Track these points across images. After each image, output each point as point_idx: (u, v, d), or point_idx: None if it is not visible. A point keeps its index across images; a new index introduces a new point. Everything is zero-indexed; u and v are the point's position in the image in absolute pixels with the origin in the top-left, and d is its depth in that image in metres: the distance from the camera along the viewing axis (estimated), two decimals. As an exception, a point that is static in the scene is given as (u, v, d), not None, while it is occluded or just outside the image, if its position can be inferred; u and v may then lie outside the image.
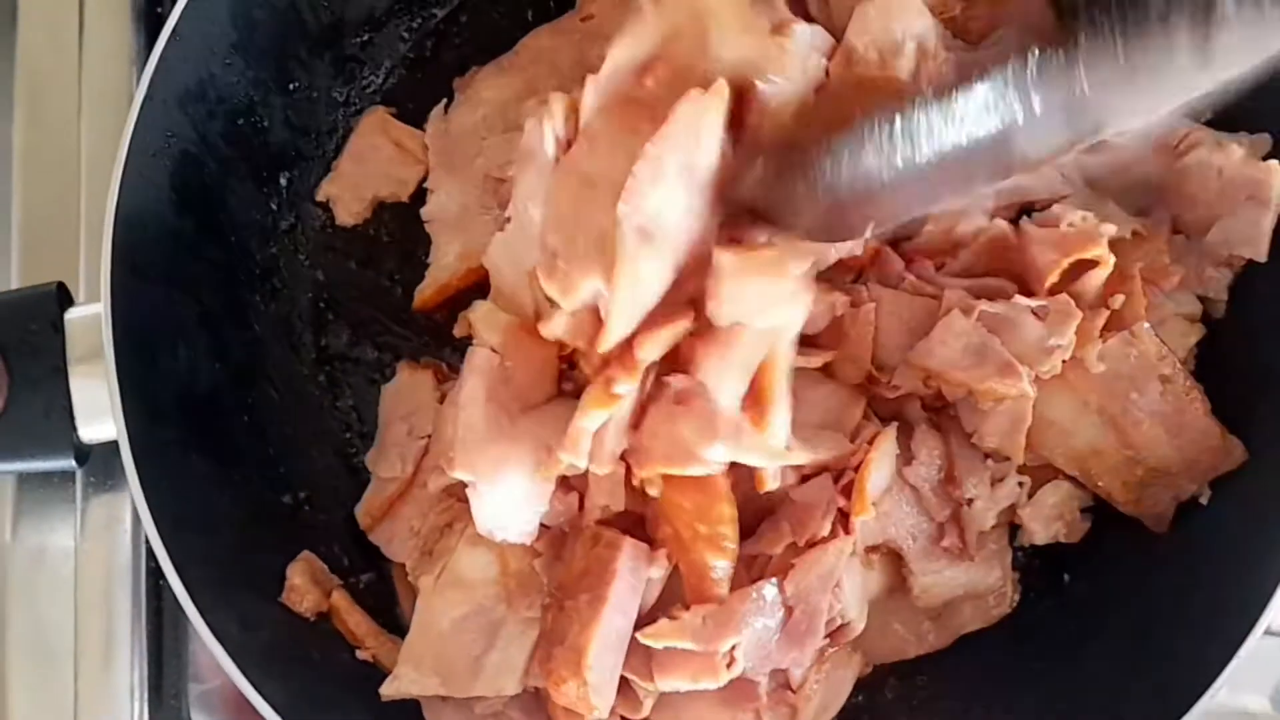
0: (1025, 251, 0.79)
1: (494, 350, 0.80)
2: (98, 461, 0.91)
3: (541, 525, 0.80)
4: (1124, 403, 0.80)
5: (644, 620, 0.80)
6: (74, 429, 0.80)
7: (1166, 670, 0.78)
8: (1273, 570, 0.75)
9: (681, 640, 0.76)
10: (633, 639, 0.78)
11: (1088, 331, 0.78)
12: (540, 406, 0.82)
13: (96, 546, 0.92)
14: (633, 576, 0.78)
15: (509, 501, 0.78)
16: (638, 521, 0.79)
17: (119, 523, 0.93)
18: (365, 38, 0.95)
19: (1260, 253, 0.82)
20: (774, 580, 0.78)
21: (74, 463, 0.82)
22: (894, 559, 0.84)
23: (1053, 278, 0.77)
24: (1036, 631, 0.86)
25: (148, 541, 0.88)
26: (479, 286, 0.87)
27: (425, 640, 0.81)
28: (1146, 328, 0.80)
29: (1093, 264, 0.77)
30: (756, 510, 0.81)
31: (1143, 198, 0.86)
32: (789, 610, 0.79)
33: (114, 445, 0.78)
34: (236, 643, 0.76)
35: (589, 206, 0.71)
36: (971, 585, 0.84)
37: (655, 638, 0.76)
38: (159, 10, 1.02)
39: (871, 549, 0.84)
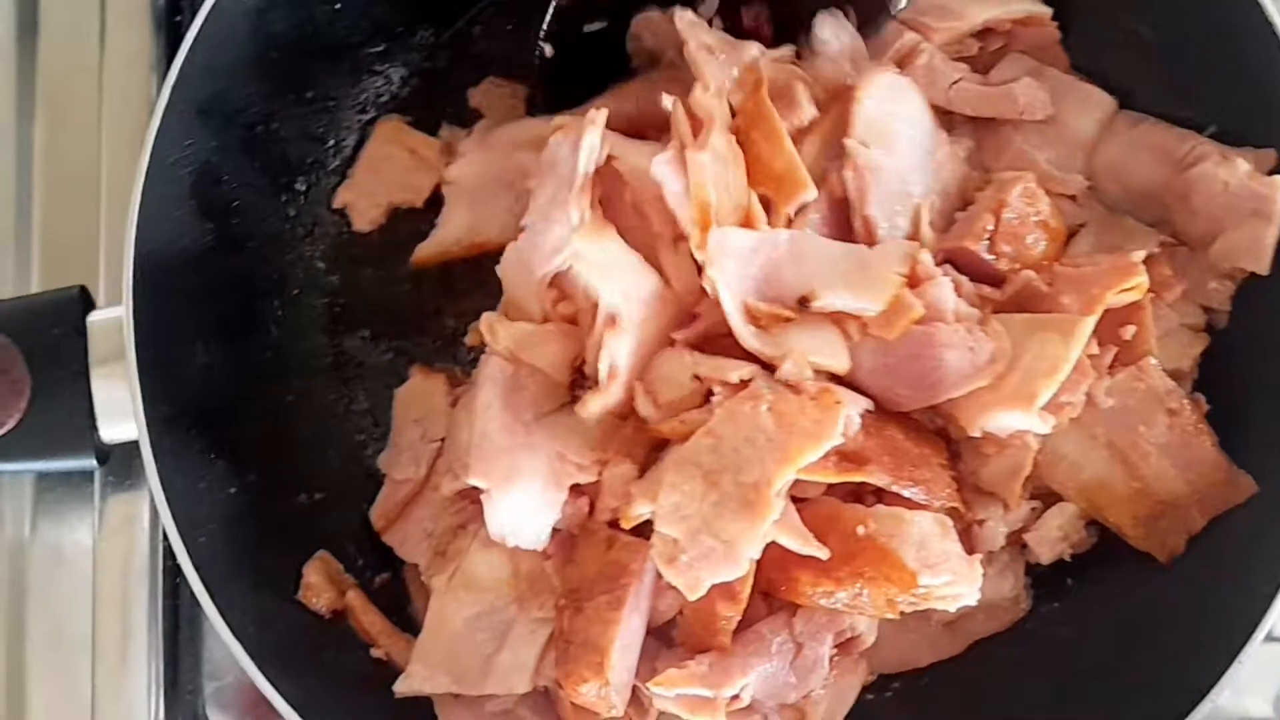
0: (1058, 298, 0.79)
1: (506, 358, 0.82)
2: (116, 460, 0.92)
3: (552, 528, 0.81)
4: (1132, 436, 0.80)
5: (663, 627, 0.82)
6: (95, 430, 0.82)
7: (1168, 673, 0.79)
8: (1275, 575, 0.76)
9: (691, 687, 0.77)
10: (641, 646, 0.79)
11: (1097, 367, 0.78)
12: (553, 414, 0.83)
13: (114, 544, 0.94)
14: (649, 579, 0.79)
15: (523, 508, 0.80)
16: (646, 523, 0.80)
17: (136, 521, 0.94)
18: (381, 48, 0.97)
19: (1263, 266, 0.82)
20: (782, 619, 0.79)
21: (95, 463, 0.84)
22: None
23: (1094, 317, 0.76)
24: (1039, 633, 0.87)
25: (165, 540, 0.91)
26: (476, 262, 0.89)
27: (437, 639, 0.82)
28: (1154, 362, 0.80)
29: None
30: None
31: (1150, 209, 0.87)
32: (799, 647, 0.80)
33: (132, 445, 0.80)
34: (254, 640, 0.78)
35: (715, 505, 0.73)
36: (985, 596, 0.83)
37: (666, 686, 0.77)
38: (178, 19, 1.03)
39: None
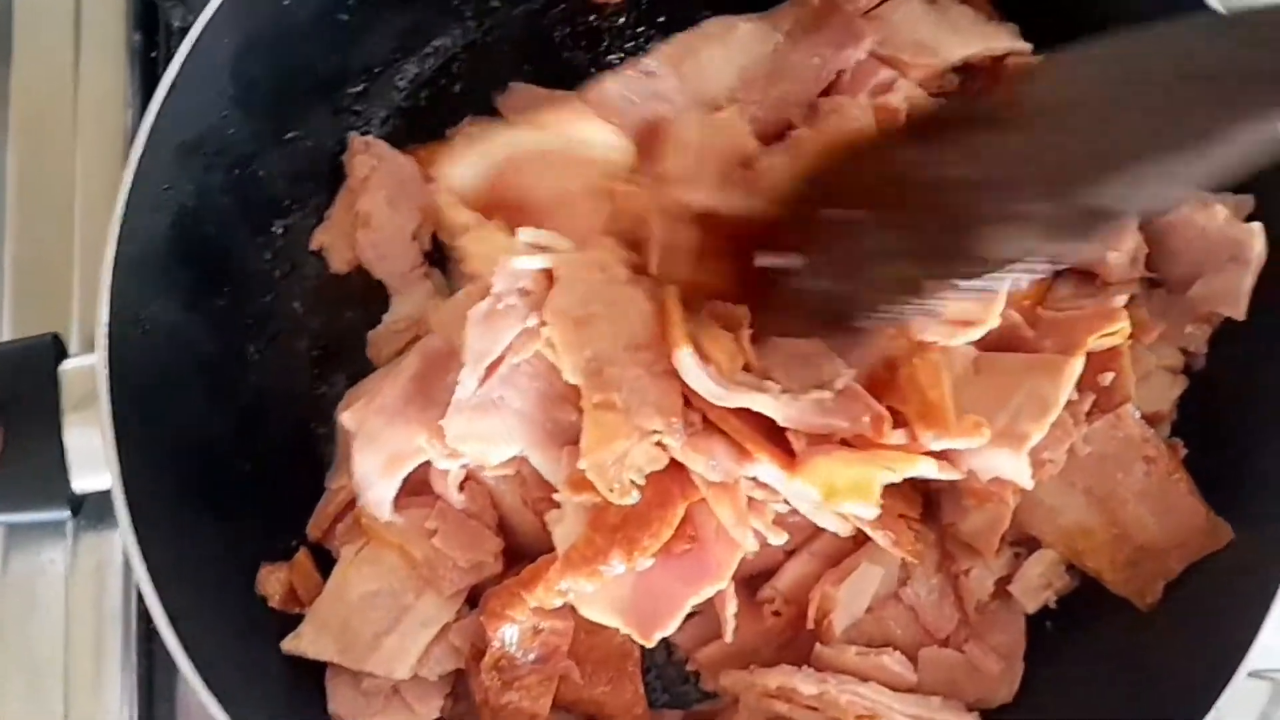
0: (1040, 342, 0.79)
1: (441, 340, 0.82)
2: (87, 505, 0.91)
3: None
4: (1110, 483, 0.82)
5: None
6: (68, 481, 0.81)
7: (1149, 711, 0.80)
8: (1256, 614, 0.77)
9: None
10: None
11: (1074, 414, 0.79)
12: None
13: (86, 589, 0.93)
14: None
15: (372, 467, 0.80)
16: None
17: (109, 565, 0.93)
18: (361, 88, 0.96)
19: (1239, 311, 0.83)
20: None
21: (68, 514, 0.82)
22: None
23: (1080, 358, 0.77)
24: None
25: (139, 584, 0.89)
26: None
27: (334, 607, 0.83)
28: (1131, 410, 0.81)
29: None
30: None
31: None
32: None
33: (107, 493, 0.78)
34: (235, 698, 0.76)
35: None
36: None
37: None
38: (153, 55, 1.02)
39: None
